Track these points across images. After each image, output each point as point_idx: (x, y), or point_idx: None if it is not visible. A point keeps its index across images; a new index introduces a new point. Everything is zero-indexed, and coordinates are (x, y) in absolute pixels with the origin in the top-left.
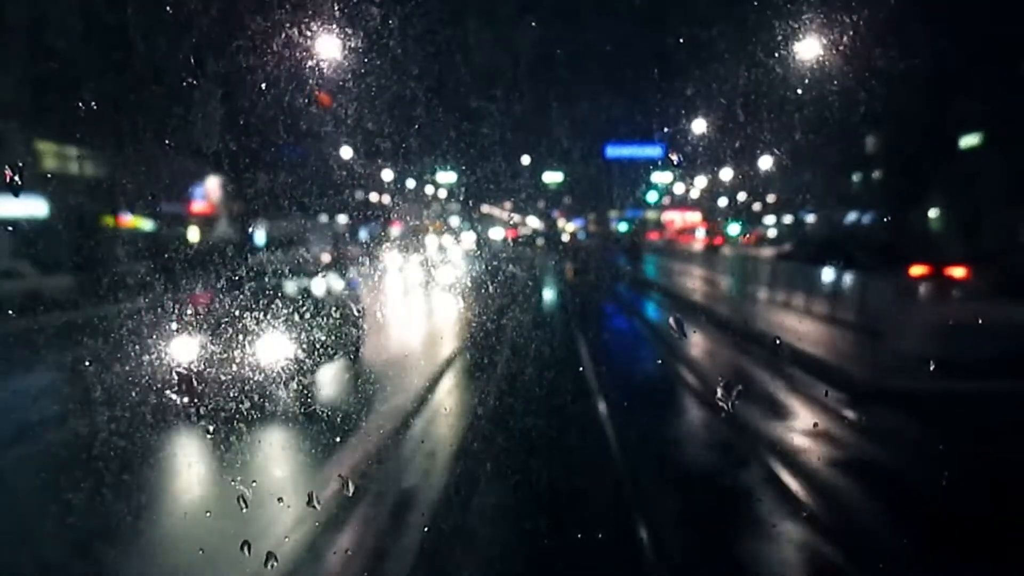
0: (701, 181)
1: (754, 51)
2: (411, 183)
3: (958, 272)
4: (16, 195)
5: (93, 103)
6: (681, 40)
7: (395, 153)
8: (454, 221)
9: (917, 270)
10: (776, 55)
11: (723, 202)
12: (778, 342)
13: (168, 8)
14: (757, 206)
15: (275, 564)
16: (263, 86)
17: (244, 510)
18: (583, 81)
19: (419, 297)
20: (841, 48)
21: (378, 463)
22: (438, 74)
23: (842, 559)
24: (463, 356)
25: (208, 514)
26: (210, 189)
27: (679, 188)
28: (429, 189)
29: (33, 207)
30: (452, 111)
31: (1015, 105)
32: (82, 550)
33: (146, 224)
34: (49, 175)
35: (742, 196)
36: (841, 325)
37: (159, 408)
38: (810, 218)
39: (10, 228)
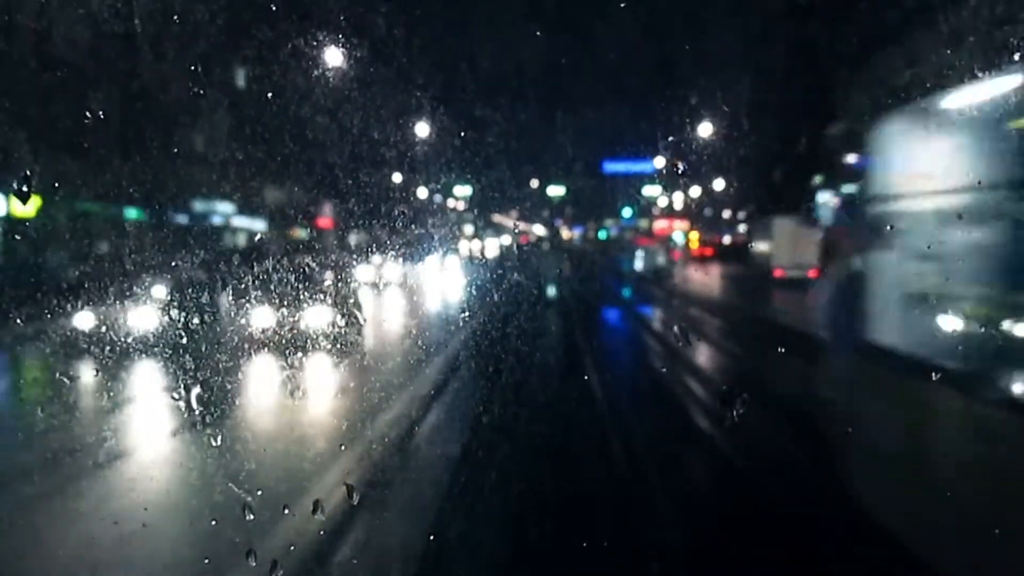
0: (682, 195)
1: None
2: (437, 198)
3: (709, 251)
4: (24, 202)
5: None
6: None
7: (429, 172)
8: (470, 229)
9: (693, 245)
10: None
11: (707, 212)
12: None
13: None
14: (741, 214)
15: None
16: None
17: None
18: (587, 102)
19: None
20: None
21: None
22: (461, 100)
23: None
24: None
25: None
26: (325, 211)
27: (670, 200)
28: (450, 202)
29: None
30: (473, 144)
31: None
32: (86, 557)
33: (302, 233)
34: (264, 205)
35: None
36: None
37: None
38: None
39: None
